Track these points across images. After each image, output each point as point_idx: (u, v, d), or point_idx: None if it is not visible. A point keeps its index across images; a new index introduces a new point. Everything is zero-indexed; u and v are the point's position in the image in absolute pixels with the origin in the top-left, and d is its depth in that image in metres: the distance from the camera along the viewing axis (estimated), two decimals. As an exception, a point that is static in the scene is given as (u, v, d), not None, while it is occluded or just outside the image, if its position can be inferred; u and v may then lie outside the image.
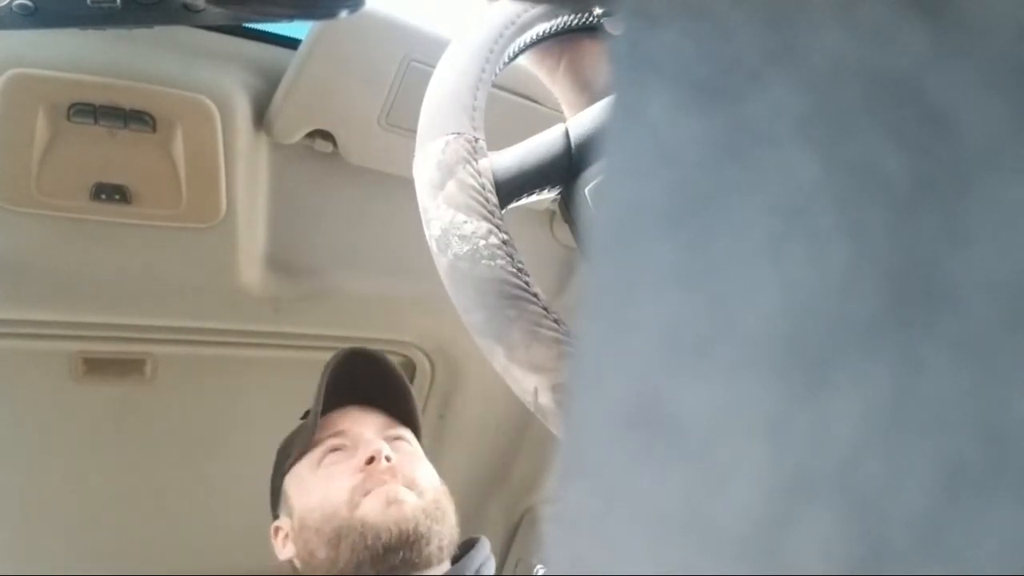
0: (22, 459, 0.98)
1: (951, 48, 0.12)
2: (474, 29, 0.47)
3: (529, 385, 0.37)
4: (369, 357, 0.86)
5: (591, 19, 0.51)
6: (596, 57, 0.52)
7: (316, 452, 0.79)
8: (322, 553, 0.72)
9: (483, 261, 0.39)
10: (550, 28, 0.50)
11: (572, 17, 0.51)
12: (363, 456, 0.75)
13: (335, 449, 0.78)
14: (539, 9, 0.48)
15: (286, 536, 0.78)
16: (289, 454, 0.81)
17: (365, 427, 0.81)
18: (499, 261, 0.39)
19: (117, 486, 1.04)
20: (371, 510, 0.71)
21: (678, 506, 0.12)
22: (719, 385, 0.12)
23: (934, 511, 0.11)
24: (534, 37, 0.50)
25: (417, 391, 1.14)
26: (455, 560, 0.77)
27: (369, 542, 0.70)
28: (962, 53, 0.11)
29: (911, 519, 0.11)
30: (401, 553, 0.70)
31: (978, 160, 0.11)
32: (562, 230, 1.07)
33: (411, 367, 1.13)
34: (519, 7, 0.47)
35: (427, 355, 1.12)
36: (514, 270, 0.38)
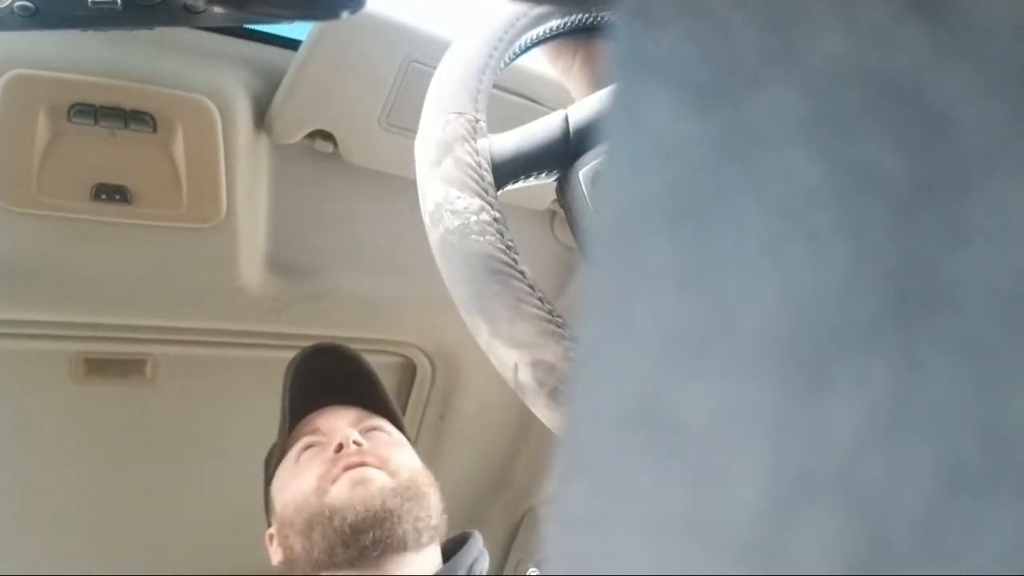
0: (22, 459, 0.98)
1: (951, 49, 0.12)
2: (486, 19, 0.47)
3: (510, 361, 0.37)
4: (331, 352, 0.86)
5: (604, 18, 0.52)
6: None
7: (292, 452, 0.79)
8: (298, 545, 0.72)
9: (472, 236, 0.39)
10: (563, 25, 0.51)
11: (585, 15, 0.51)
12: (332, 444, 0.75)
13: (309, 446, 0.78)
14: (548, 7, 0.49)
15: (276, 542, 0.78)
16: (270, 460, 0.82)
17: (339, 420, 0.80)
18: (488, 237, 0.39)
19: (117, 486, 1.04)
20: (338, 495, 0.71)
21: (678, 506, 0.12)
22: (719, 385, 0.12)
23: (934, 511, 0.11)
24: (546, 32, 0.50)
25: (417, 391, 1.14)
26: (448, 556, 0.76)
27: (336, 525, 0.69)
28: (962, 54, 0.11)
29: (911, 519, 0.11)
30: (371, 533, 0.69)
31: (977, 161, 0.11)
32: (562, 230, 1.07)
33: (411, 367, 1.13)
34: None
35: (427, 355, 1.12)
36: (503, 247, 0.39)
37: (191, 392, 1.01)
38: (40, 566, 1.03)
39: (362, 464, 0.73)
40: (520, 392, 0.38)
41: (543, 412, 0.37)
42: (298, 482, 0.75)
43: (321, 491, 0.72)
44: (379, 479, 0.72)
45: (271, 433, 0.86)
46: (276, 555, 0.77)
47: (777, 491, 0.11)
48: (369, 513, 0.69)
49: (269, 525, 0.81)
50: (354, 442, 0.75)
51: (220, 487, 1.09)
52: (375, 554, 0.69)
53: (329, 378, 0.84)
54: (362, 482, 0.71)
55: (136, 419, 1.00)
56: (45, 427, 0.97)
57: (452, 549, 0.77)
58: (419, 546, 0.72)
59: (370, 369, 0.87)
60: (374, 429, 0.81)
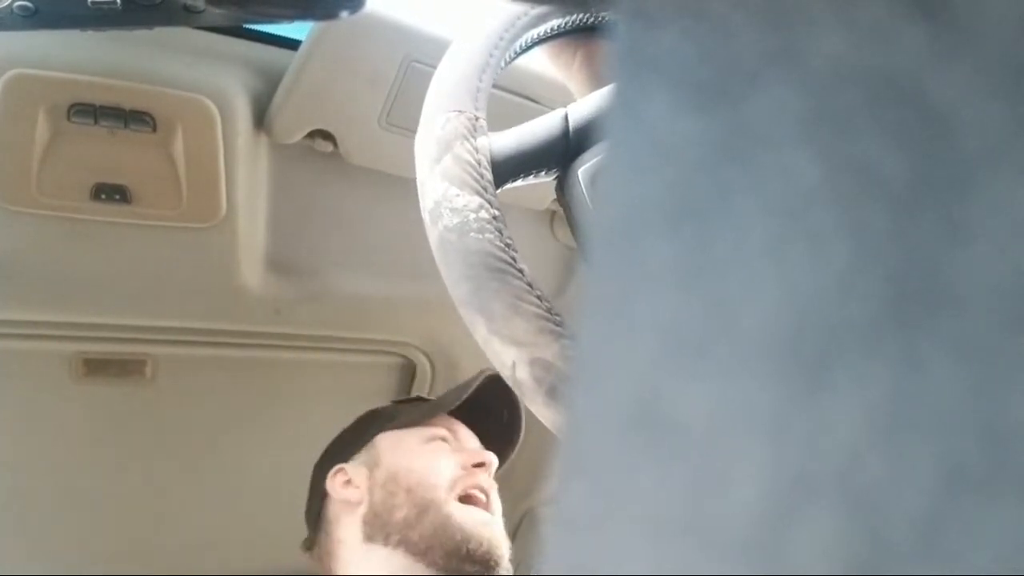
0: (22, 459, 0.98)
1: (951, 49, 0.12)
2: (486, 18, 0.47)
3: (508, 359, 0.37)
4: (508, 397, 0.88)
5: (604, 17, 0.52)
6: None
7: (425, 431, 0.81)
8: (402, 513, 0.73)
9: (472, 234, 0.39)
10: (563, 24, 0.51)
11: (585, 14, 0.51)
12: (475, 458, 0.78)
13: (444, 439, 0.81)
14: (548, 6, 0.49)
15: (347, 481, 0.78)
16: (394, 416, 0.84)
17: (474, 440, 0.85)
18: (487, 235, 0.39)
19: (117, 486, 1.04)
20: (464, 516, 0.73)
21: (678, 506, 0.12)
22: (719, 385, 0.12)
23: (934, 511, 0.11)
24: (547, 31, 0.50)
25: (417, 391, 1.14)
26: None
27: (458, 539, 0.71)
28: (962, 54, 0.11)
29: (911, 519, 0.11)
30: (477, 567, 0.72)
31: (978, 161, 0.11)
32: (562, 230, 1.07)
33: (411, 367, 1.13)
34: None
35: (427, 355, 1.12)
36: (501, 244, 0.39)
37: (191, 392, 1.01)
38: (40, 566, 1.03)
39: (485, 496, 0.77)
40: (517, 390, 0.38)
41: (540, 410, 0.37)
42: (429, 462, 0.77)
43: (450, 494, 0.74)
44: (499, 531, 0.76)
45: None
46: (344, 492, 0.78)
47: (777, 491, 0.11)
48: (491, 554, 0.73)
49: (343, 461, 0.81)
50: (491, 471, 0.79)
51: (220, 487, 1.08)
52: None
53: (491, 407, 0.88)
54: (489, 524, 0.74)
55: (136, 419, 1.00)
56: (45, 427, 0.97)
57: None
58: None
59: (521, 427, 0.90)
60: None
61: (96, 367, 0.95)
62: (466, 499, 0.75)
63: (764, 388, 0.12)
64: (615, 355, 0.12)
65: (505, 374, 0.38)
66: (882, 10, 0.12)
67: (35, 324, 0.88)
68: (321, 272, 0.96)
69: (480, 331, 0.38)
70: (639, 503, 0.12)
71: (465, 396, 0.83)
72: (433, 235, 0.41)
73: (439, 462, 0.77)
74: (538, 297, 0.38)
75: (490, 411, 0.89)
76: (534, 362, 0.37)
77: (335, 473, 0.80)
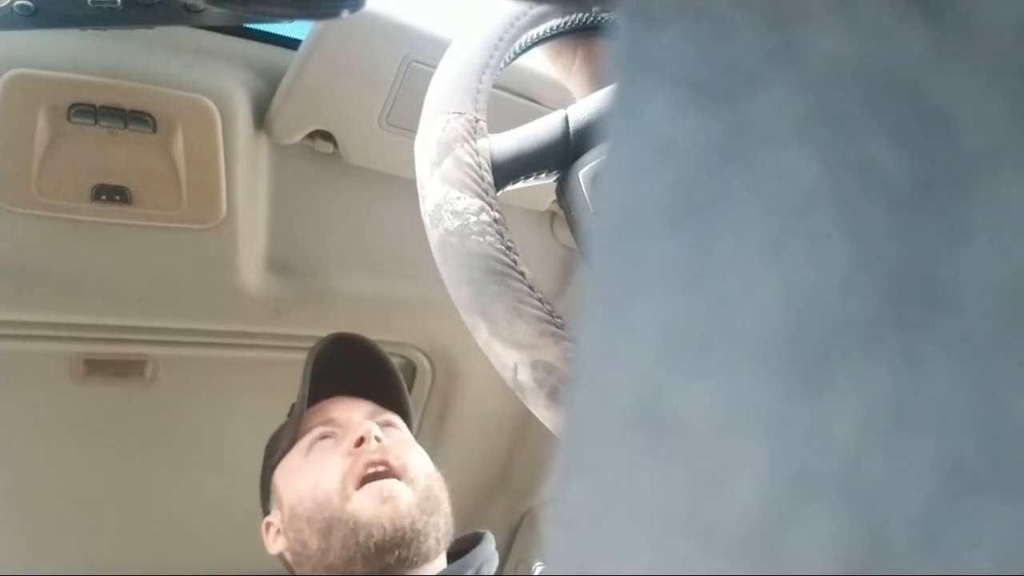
0: (22, 460, 0.98)
1: (951, 48, 0.12)
2: (485, 18, 0.47)
3: (509, 361, 0.37)
4: (354, 343, 0.85)
5: (604, 17, 0.52)
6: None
7: (304, 441, 0.77)
8: (314, 543, 0.70)
9: (473, 236, 0.39)
10: (563, 24, 0.51)
11: (586, 14, 0.51)
12: (352, 438, 0.73)
13: (324, 436, 0.77)
14: (548, 6, 0.49)
15: (277, 531, 0.76)
16: (277, 448, 0.80)
17: (354, 412, 0.79)
18: (488, 237, 0.39)
19: (117, 487, 1.04)
20: (364, 506, 0.69)
21: (678, 506, 0.12)
22: (719, 385, 0.12)
23: (934, 511, 0.11)
24: (546, 31, 0.50)
25: (417, 392, 1.14)
26: (459, 555, 0.75)
27: (361, 539, 0.67)
28: (962, 53, 0.11)
29: (911, 519, 0.11)
30: (397, 552, 0.68)
31: (978, 160, 0.11)
32: (562, 230, 1.07)
33: (411, 368, 1.13)
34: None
35: (427, 356, 1.12)
36: (503, 247, 0.39)
37: (191, 393, 1.01)
38: (40, 566, 1.03)
39: (384, 464, 0.71)
40: (519, 392, 0.38)
41: (542, 412, 0.38)
42: (315, 475, 0.73)
43: (344, 494, 0.70)
44: (405, 495, 0.70)
45: (270, 434, 0.86)
46: (277, 545, 0.76)
47: (777, 491, 0.11)
48: (398, 533, 0.68)
49: (266, 513, 0.80)
50: (376, 438, 0.73)
51: (220, 487, 1.08)
52: (397, 570, 0.69)
53: (347, 368, 0.83)
54: (390, 498, 0.69)
55: (136, 420, 1.00)
56: (45, 427, 0.97)
57: (463, 548, 0.76)
58: (436, 554, 0.72)
59: (388, 362, 0.86)
60: (388, 425, 0.79)
61: (96, 368, 0.95)
62: (366, 480, 0.70)
63: (764, 387, 0.12)
64: (615, 355, 0.12)
65: (507, 376, 0.38)
66: (882, 10, 0.12)
67: (35, 325, 0.88)
68: (321, 272, 0.96)
69: (481, 334, 0.39)
70: (639, 503, 0.12)
71: (306, 390, 0.78)
72: (434, 238, 0.41)
73: (324, 469, 0.72)
74: (539, 300, 0.38)
75: (360, 366, 0.84)
76: (535, 365, 0.37)
77: (266, 530, 0.78)
